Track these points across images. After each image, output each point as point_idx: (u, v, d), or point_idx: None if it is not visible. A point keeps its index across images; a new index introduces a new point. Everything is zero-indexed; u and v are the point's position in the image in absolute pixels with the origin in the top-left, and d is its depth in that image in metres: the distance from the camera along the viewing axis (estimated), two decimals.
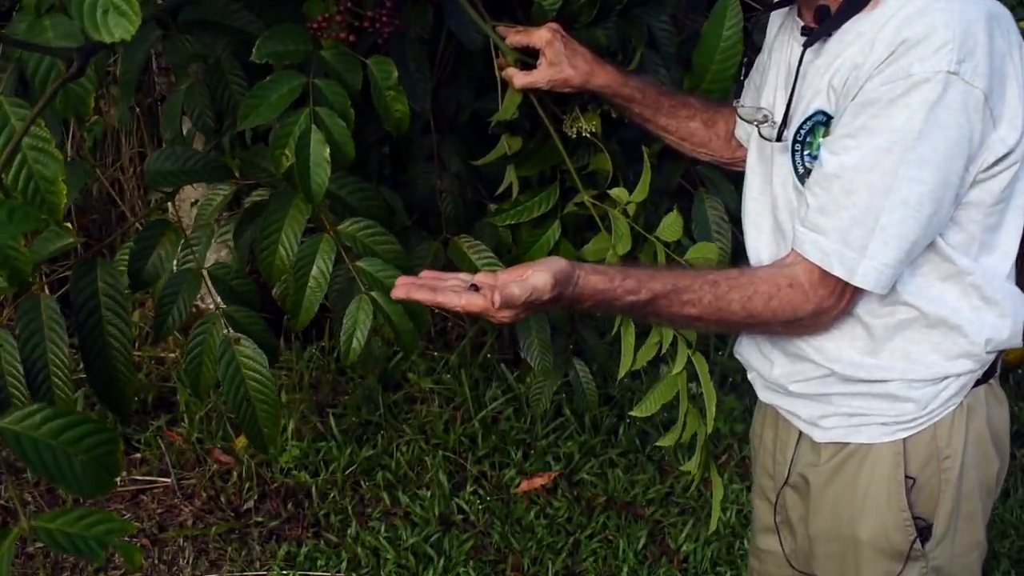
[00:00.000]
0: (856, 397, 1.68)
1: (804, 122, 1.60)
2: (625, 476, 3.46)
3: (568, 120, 1.87)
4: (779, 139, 1.64)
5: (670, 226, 1.79)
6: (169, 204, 1.80)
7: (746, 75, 1.86)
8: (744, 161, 1.88)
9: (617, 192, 1.83)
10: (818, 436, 1.74)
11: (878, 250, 1.50)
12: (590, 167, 1.91)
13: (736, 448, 3.63)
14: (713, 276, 1.58)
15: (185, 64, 1.80)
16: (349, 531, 3.20)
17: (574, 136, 1.88)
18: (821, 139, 1.57)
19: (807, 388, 1.71)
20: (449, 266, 2.01)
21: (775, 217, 1.70)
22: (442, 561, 3.07)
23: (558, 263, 1.49)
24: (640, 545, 3.19)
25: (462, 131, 2.29)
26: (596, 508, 3.34)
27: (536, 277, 1.45)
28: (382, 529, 3.20)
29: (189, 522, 3.28)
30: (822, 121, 1.57)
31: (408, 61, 1.83)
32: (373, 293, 1.64)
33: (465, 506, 3.32)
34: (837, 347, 1.65)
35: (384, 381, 3.86)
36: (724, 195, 2.05)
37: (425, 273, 1.50)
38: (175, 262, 1.67)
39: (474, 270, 1.94)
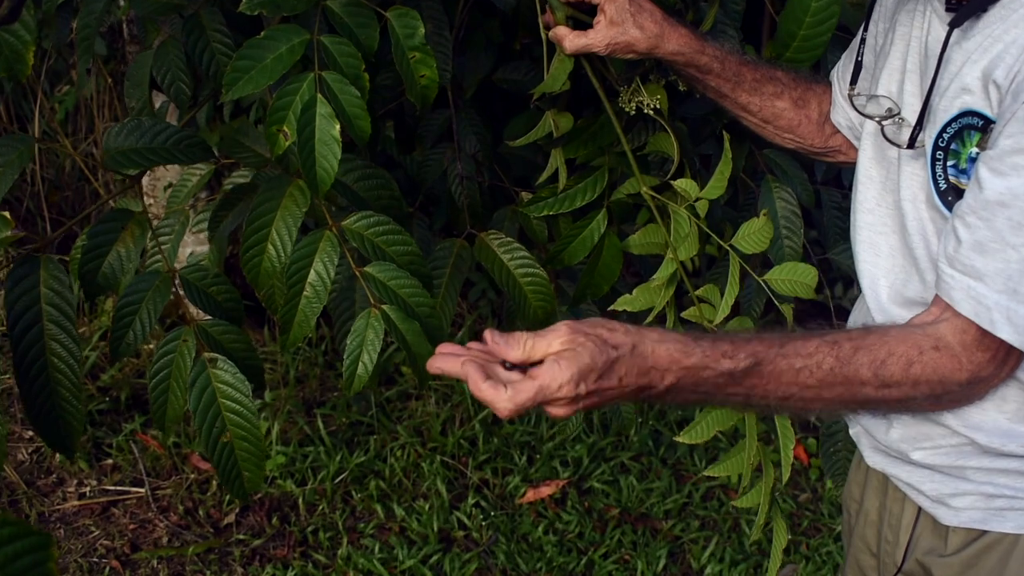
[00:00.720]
0: (1001, 474, 1.32)
1: (948, 124, 1.23)
2: (639, 484, 3.16)
3: (625, 93, 1.53)
4: (911, 145, 1.28)
5: (754, 235, 1.42)
6: (138, 190, 1.47)
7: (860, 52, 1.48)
8: (838, 151, 1.54)
9: (684, 185, 1.46)
10: (946, 518, 1.38)
11: None
12: (647, 149, 1.57)
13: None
14: (832, 336, 1.21)
15: (155, 17, 1.45)
16: (340, 551, 2.88)
17: (632, 113, 1.54)
18: (974, 148, 1.21)
19: (936, 458, 1.35)
20: (476, 269, 1.68)
21: (902, 238, 1.34)
22: None
23: (593, 343, 1.11)
24: (660, 566, 2.89)
25: (480, 104, 1.97)
26: (609, 522, 3.04)
27: (547, 374, 1.09)
28: (376, 548, 2.88)
29: (164, 539, 2.95)
30: (975, 125, 1.21)
31: (425, 19, 1.50)
32: (385, 307, 1.31)
33: (467, 520, 3.01)
34: (981, 409, 1.29)
35: (377, 375, 3.53)
36: (795, 184, 1.72)
37: (474, 345, 1.17)
38: (138, 261, 1.35)
39: (505, 272, 1.62)
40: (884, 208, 1.37)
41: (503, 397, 1.10)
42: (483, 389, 1.10)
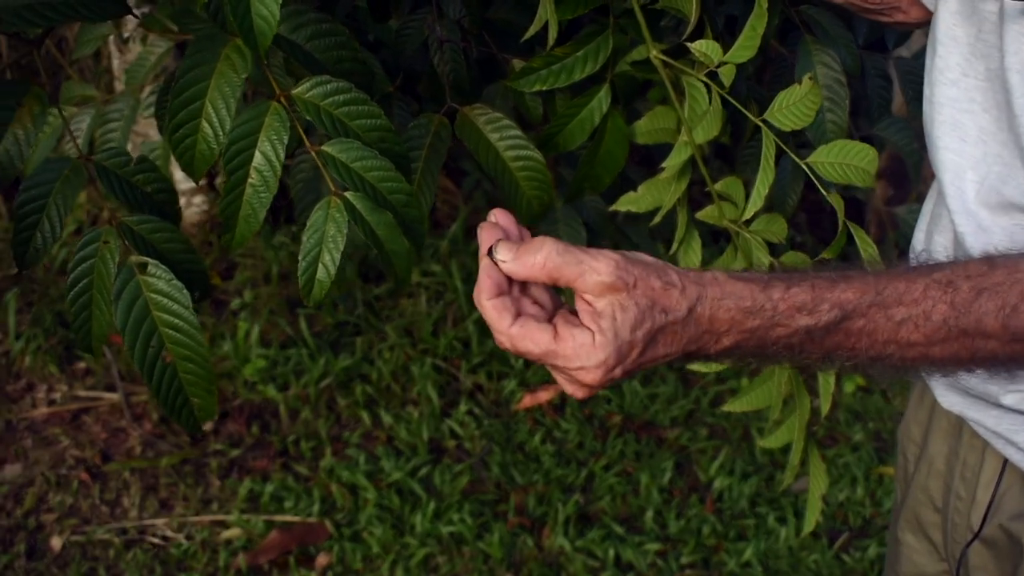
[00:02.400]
0: None
1: None
2: (643, 389, 2.96)
3: None
4: None
5: (794, 105, 1.11)
6: (36, 60, 1.21)
7: None
8: (897, 8, 1.23)
9: (703, 47, 1.17)
10: None
11: None
12: (660, 4, 1.30)
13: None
14: (943, 274, 0.93)
15: None
16: (322, 462, 2.68)
17: None
18: None
19: None
20: (457, 147, 1.43)
21: (998, 118, 1.04)
22: (432, 502, 2.56)
23: (646, 256, 0.89)
24: (665, 479, 2.69)
25: None
26: (611, 430, 2.84)
27: (572, 345, 0.85)
28: (361, 460, 2.68)
29: (137, 449, 2.76)
30: None
31: None
32: (348, 194, 1.07)
33: (459, 429, 2.81)
34: None
35: (364, 271, 3.30)
36: (839, 47, 1.45)
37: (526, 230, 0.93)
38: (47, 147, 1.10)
39: (493, 154, 1.37)
40: (972, 79, 1.07)
41: (503, 326, 0.86)
42: (486, 307, 0.87)
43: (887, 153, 3.08)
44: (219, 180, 1.89)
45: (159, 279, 1.07)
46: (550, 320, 0.89)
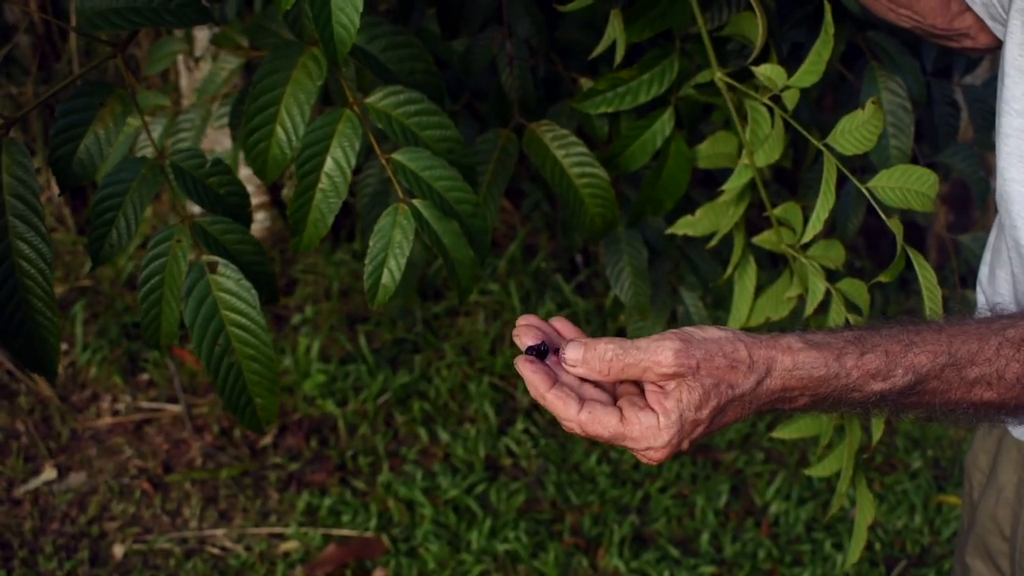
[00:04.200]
0: None
1: None
2: None
3: None
4: None
5: (856, 130, 1.12)
6: (120, 65, 1.25)
7: None
8: (966, 35, 1.23)
9: (767, 71, 1.18)
10: None
11: None
12: (726, 31, 1.31)
13: None
14: (1017, 331, 0.96)
15: None
16: (380, 477, 2.70)
17: None
18: None
19: None
20: (522, 161, 1.45)
21: None
22: (488, 519, 2.56)
23: (715, 332, 0.90)
24: (721, 502, 2.68)
25: None
26: None
27: (639, 428, 0.88)
28: (418, 476, 2.70)
29: (198, 460, 2.80)
30: None
31: None
32: (416, 201, 1.09)
33: (515, 447, 2.82)
34: None
35: (423, 290, 3.32)
36: (905, 74, 1.45)
37: (560, 325, 0.97)
38: (124, 147, 1.13)
39: (559, 171, 1.38)
40: None
41: (571, 414, 0.89)
42: (548, 399, 0.90)
43: (951, 180, 3.05)
44: (285, 192, 1.93)
45: (228, 278, 1.10)
46: (615, 399, 0.92)
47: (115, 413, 3.00)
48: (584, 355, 0.90)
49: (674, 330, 0.91)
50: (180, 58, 3.23)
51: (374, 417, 2.91)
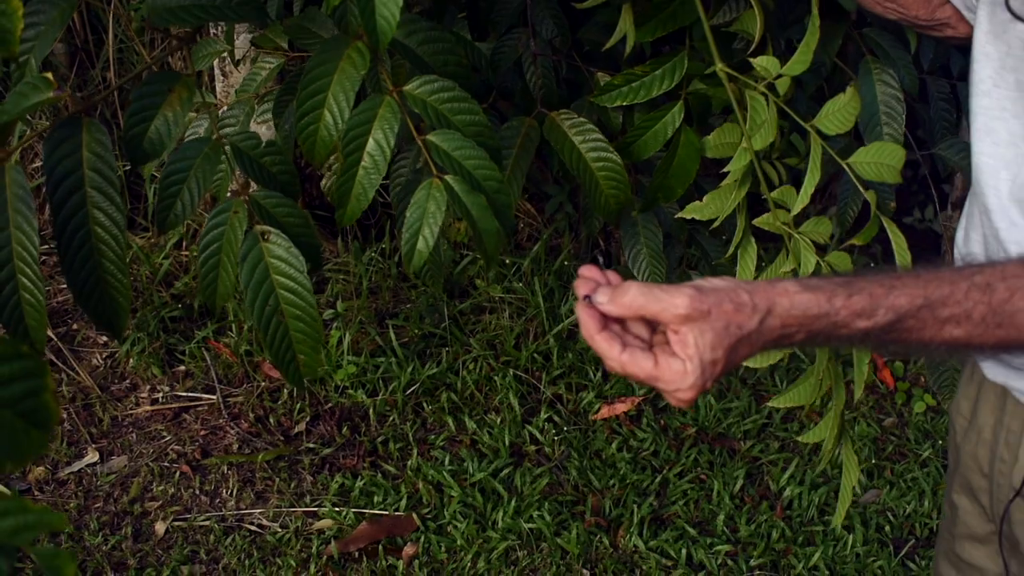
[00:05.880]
0: None
1: None
2: (717, 403, 3.06)
3: None
4: None
5: (838, 112, 1.26)
6: (187, 57, 1.39)
7: None
8: (947, 24, 1.36)
9: (763, 62, 1.31)
10: None
11: None
12: (732, 28, 1.44)
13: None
14: (984, 277, 1.07)
15: None
16: (409, 462, 2.83)
17: None
18: None
19: None
20: (540, 158, 1.57)
21: None
22: (513, 500, 2.69)
23: (721, 281, 1.03)
24: (737, 487, 2.79)
25: None
26: (685, 441, 2.94)
27: (668, 372, 1.01)
28: (446, 460, 2.83)
29: (235, 446, 2.93)
30: None
31: None
32: (448, 177, 1.22)
33: (539, 435, 2.94)
34: None
35: (450, 288, 3.46)
36: (898, 67, 1.57)
37: (612, 275, 1.08)
38: (186, 128, 1.26)
39: (576, 155, 1.51)
40: (1003, 89, 1.20)
41: (615, 354, 1.01)
42: (596, 340, 1.02)
43: (963, 181, 3.15)
44: (324, 183, 2.05)
45: (279, 246, 1.23)
46: (651, 348, 1.04)
47: (154, 402, 3.13)
48: (613, 295, 1.02)
49: (687, 282, 1.03)
50: (215, 64, 3.37)
51: (403, 407, 3.04)
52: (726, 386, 3.15)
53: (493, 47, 1.89)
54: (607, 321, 1.03)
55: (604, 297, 1.03)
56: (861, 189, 1.25)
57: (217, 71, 3.50)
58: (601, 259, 3.61)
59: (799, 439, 1.54)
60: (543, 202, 3.73)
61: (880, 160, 1.24)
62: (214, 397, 3.10)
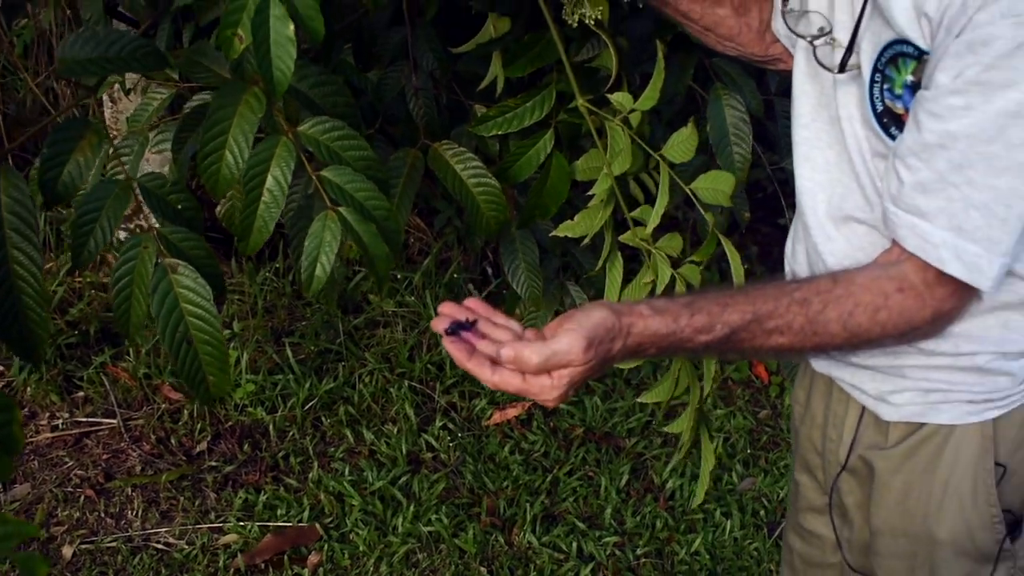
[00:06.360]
0: (936, 370, 1.38)
1: (883, 51, 1.25)
2: (603, 404, 3.23)
3: (568, 5, 1.55)
4: (843, 69, 1.30)
5: (682, 143, 1.45)
6: (93, 104, 1.48)
7: None
8: (779, 59, 1.55)
9: (618, 97, 1.49)
10: (887, 414, 1.45)
11: (1004, 239, 1.18)
12: (593, 63, 1.60)
13: (718, 369, 3.38)
14: (801, 293, 1.25)
15: None
16: (311, 474, 2.94)
17: (575, 25, 1.56)
18: (909, 75, 1.22)
19: (875, 359, 1.40)
20: (428, 176, 1.71)
21: (839, 153, 1.37)
22: (412, 506, 2.81)
23: (597, 314, 1.17)
24: (623, 482, 2.96)
25: (437, 22, 1.98)
26: (574, 441, 3.11)
27: (561, 341, 1.14)
28: (346, 471, 2.94)
29: (137, 468, 3.00)
30: (909, 54, 1.22)
31: None
32: (341, 208, 1.35)
33: (435, 442, 3.07)
34: None
35: (344, 304, 3.57)
36: (744, 92, 1.75)
37: (472, 303, 1.23)
38: (100, 173, 1.37)
39: (459, 182, 1.65)
40: (820, 123, 1.39)
41: (486, 376, 1.16)
42: (469, 367, 1.16)
43: None
44: (219, 210, 2.14)
45: (187, 277, 1.34)
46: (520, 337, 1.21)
47: (54, 428, 3.17)
48: (515, 358, 1.15)
49: (573, 323, 1.18)
50: (105, 94, 3.43)
51: (302, 422, 3.14)
52: (611, 387, 3.32)
53: (378, 78, 2.02)
54: (472, 347, 1.17)
55: (508, 355, 1.15)
56: (702, 210, 1.42)
57: (106, 98, 3.55)
58: (490, 270, 3.76)
59: (665, 429, 1.71)
60: (433, 216, 3.87)
61: (715, 186, 1.43)
62: (114, 421, 3.15)
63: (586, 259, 1.99)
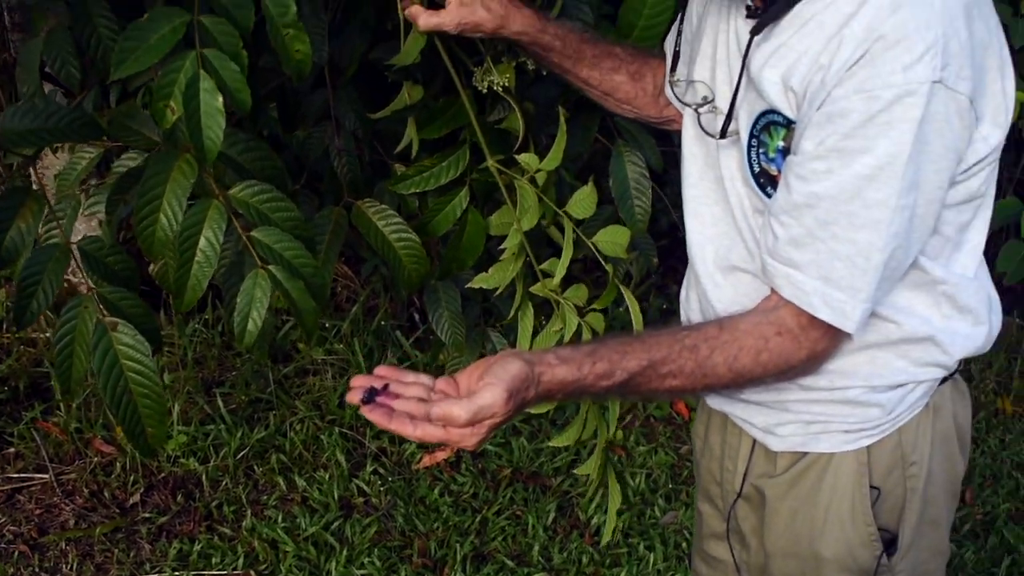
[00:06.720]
0: (815, 404, 1.52)
1: (757, 119, 1.40)
2: (530, 445, 3.33)
3: (479, 73, 1.68)
4: (723, 135, 1.45)
5: (582, 202, 1.59)
6: (32, 172, 1.56)
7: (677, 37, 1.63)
8: (674, 120, 1.69)
9: (525, 158, 1.62)
10: (774, 445, 1.59)
11: (865, 286, 1.33)
12: (503, 125, 1.72)
13: (640, 407, 3.51)
14: (692, 339, 1.38)
15: (41, 5, 1.54)
16: (244, 522, 2.99)
17: (485, 91, 1.68)
18: (780, 141, 1.37)
19: (761, 395, 1.54)
20: (353, 233, 1.81)
21: (724, 209, 1.51)
22: (345, 551, 2.88)
23: (513, 367, 1.27)
24: (549, 519, 3.06)
25: (358, 85, 2.09)
26: (502, 481, 3.20)
27: (484, 394, 1.24)
28: (279, 518, 3.00)
29: (71, 522, 3.02)
30: (779, 122, 1.37)
31: (301, 3, 1.62)
32: (271, 267, 1.44)
33: (366, 487, 3.14)
34: None
35: (273, 353, 3.63)
36: (645, 149, 1.89)
37: (381, 370, 1.31)
38: (38, 236, 1.45)
39: (381, 237, 1.75)
40: (707, 182, 1.53)
41: (408, 432, 1.23)
42: (391, 428, 1.24)
43: None
44: (151, 268, 2.21)
45: (126, 335, 1.42)
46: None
47: None
48: (444, 416, 1.24)
49: (492, 376, 1.27)
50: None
51: (235, 471, 3.19)
52: (537, 428, 3.42)
53: (303, 137, 2.12)
54: (391, 409, 1.26)
55: (438, 413, 1.24)
56: (603, 263, 1.55)
57: None
58: (417, 316, 3.86)
59: (575, 472, 1.83)
60: (359, 264, 3.96)
61: (613, 239, 1.56)
62: (47, 476, 3.18)
63: (505, 306, 2.10)
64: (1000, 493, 3.23)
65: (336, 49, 2.07)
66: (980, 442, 3.46)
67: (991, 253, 3.27)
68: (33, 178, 1.55)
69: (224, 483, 3.14)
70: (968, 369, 3.78)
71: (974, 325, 1.49)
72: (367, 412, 1.26)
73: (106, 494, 3.11)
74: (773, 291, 1.39)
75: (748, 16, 1.40)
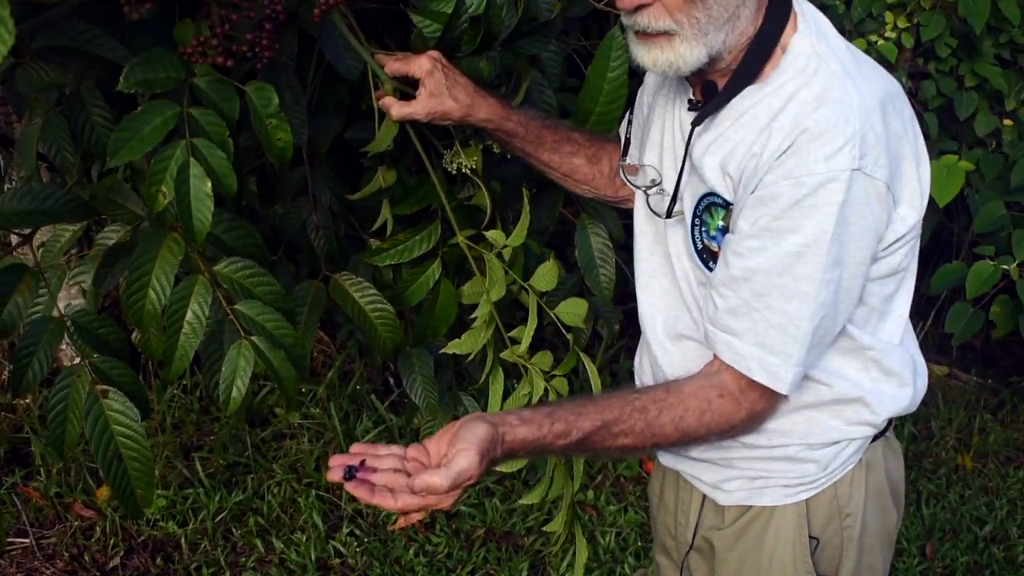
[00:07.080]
0: (757, 460, 1.64)
1: (700, 200, 1.54)
2: (503, 505, 3.41)
3: (448, 155, 1.80)
4: (669, 215, 1.58)
5: (544, 276, 1.73)
6: (30, 249, 1.67)
7: (629, 124, 1.78)
8: (628, 200, 1.81)
9: (493, 235, 1.76)
10: (722, 499, 1.70)
11: (796, 352, 1.45)
12: (472, 202, 1.84)
13: (611, 467, 3.60)
14: (641, 402, 1.50)
15: (39, 94, 1.65)
16: None
17: (454, 172, 1.81)
18: (720, 221, 1.51)
19: (709, 453, 1.67)
20: (331, 305, 1.91)
21: (672, 282, 1.65)
22: None
23: (480, 429, 1.37)
24: None
25: (333, 162, 2.20)
26: (475, 541, 3.28)
27: (460, 461, 1.33)
28: None
29: None
30: (719, 203, 1.51)
31: (283, 89, 1.74)
32: (254, 337, 1.54)
33: (342, 548, 3.21)
34: None
35: (251, 418, 3.72)
36: (607, 221, 2.01)
37: (356, 448, 1.41)
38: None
39: (357, 308, 1.85)
40: (656, 257, 1.67)
41: (389, 505, 1.34)
42: (374, 503, 1.34)
43: None
44: (135, 336, 2.30)
45: (116, 402, 1.52)
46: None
47: None
48: (426, 486, 1.33)
49: (463, 442, 1.36)
50: None
51: (213, 533, 3.26)
52: (510, 488, 3.50)
53: (282, 212, 2.22)
54: (371, 484, 1.35)
55: (420, 485, 1.33)
56: (565, 332, 1.67)
57: None
58: (391, 380, 3.95)
59: (545, 528, 1.92)
60: (335, 330, 4.05)
61: (573, 311, 1.69)
62: (27, 540, 3.23)
63: (476, 371, 2.20)
64: (959, 547, 3.34)
65: (314, 129, 2.18)
66: (940, 497, 3.57)
67: (942, 315, 3.41)
68: (29, 255, 1.64)
69: (203, 546, 3.20)
70: (929, 427, 3.90)
71: (900, 387, 1.62)
72: (351, 488, 1.35)
73: (86, 557, 3.17)
74: (715, 356, 1.51)
75: (690, 109, 1.54)
